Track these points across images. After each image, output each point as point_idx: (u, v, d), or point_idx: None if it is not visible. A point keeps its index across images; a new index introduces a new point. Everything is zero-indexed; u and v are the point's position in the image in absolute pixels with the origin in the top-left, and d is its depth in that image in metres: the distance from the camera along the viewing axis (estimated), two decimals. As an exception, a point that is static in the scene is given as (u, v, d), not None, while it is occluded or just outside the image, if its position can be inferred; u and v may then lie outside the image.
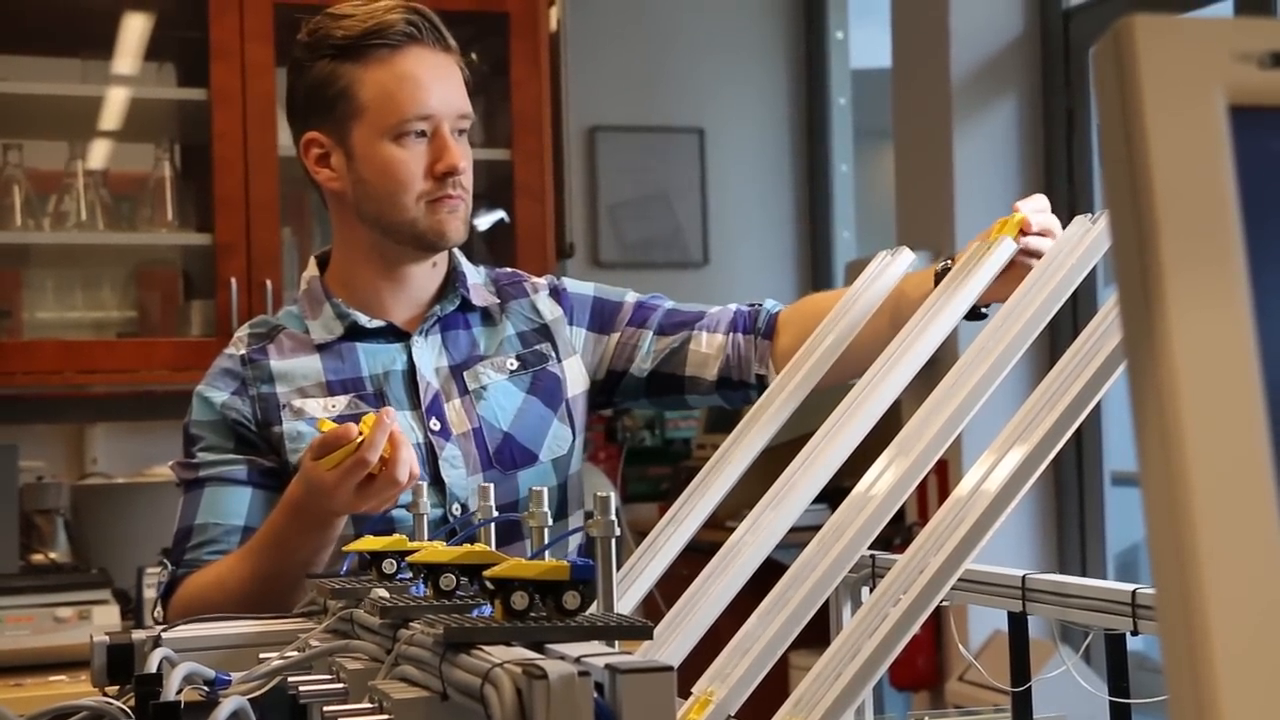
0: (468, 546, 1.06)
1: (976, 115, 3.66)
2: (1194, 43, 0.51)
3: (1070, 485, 3.61)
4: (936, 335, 1.34)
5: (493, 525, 1.25)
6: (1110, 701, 1.15)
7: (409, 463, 1.45)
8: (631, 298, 1.83)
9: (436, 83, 1.67)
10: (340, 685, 1.02)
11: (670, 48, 4.83)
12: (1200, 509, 0.47)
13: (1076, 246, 1.31)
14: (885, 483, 1.14)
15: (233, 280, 2.93)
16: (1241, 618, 0.46)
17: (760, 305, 1.79)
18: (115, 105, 3.14)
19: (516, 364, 1.75)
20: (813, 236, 4.97)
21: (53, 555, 2.95)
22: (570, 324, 1.80)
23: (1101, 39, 0.51)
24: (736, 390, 1.76)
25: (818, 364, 1.43)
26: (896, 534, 3.31)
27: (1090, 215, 1.33)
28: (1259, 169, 0.51)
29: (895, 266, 1.53)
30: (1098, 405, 1.08)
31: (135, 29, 3.17)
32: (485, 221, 3.46)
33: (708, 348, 1.76)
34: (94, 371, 2.98)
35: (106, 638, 1.25)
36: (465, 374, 1.73)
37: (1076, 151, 3.57)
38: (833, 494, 1.17)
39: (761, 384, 1.71)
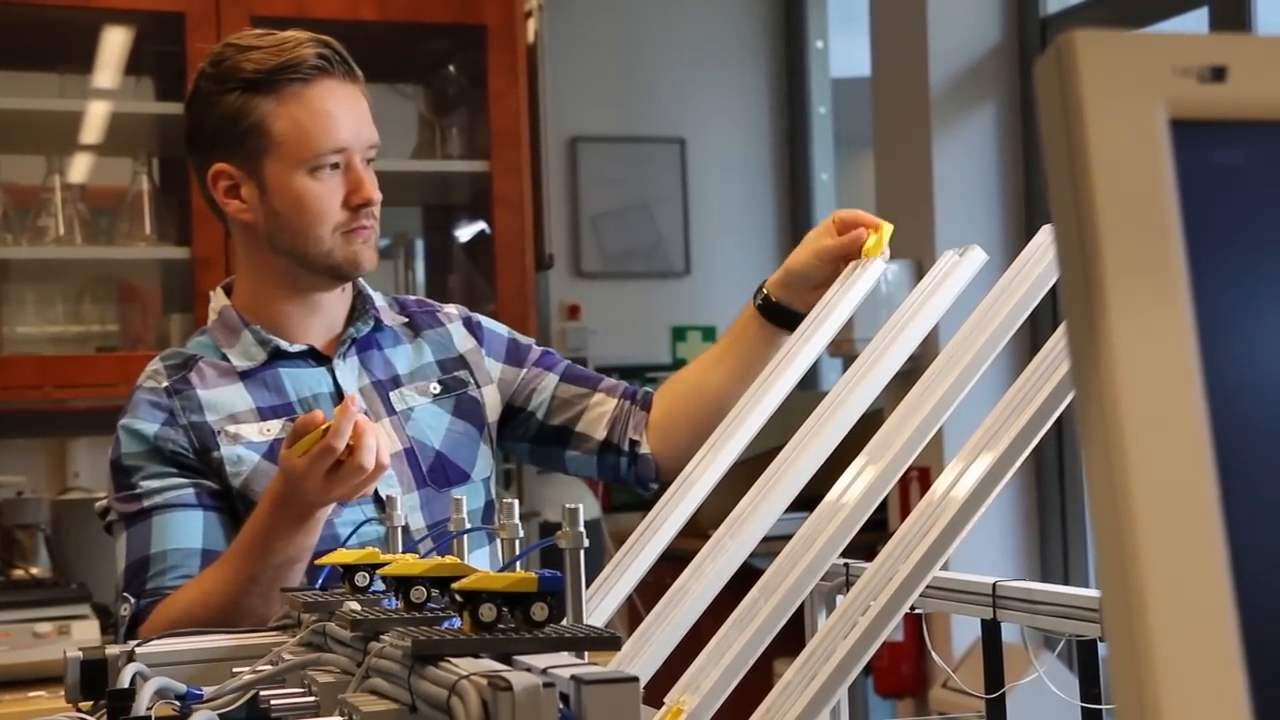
0: (438, 559, 1.07)
1: (956, 123, 3.67)
2: (1135, 57, 0.51)
3: (1052, 492, 3.62)
4: (908, 343, 1.35)
5: (466, 539, 1.26)
6: (1081, 707, 1.15)
7: (373, 449, 1.45)
8: (539, 347, 1.89)
9: (348, 115, 1.68)
10: (311, 698, 1.02)
11: (650, 57, 4.84)
12: (1143, 516, 0.48)
13: (1045, 253, 1.32)
14: (856, 490, 1.15)
15: (211, 294, 2.92)
16: (1183, 623, 0.47)
17: (639, 386, 1.87)
18: (93, 120, 3.13)
19: (439, 388, 1.78)
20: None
21: (33, 570, 2.94)
22: (486, 355, 1.83)
23: (1044, 53, 0.52)
24: (610, 455, 1.81)
25: (796, 370, 1.44)
26: (879, 541, 3.31)
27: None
28: (1200, 182, 0.52)
29: (869, 273, 1.54)
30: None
31: (113, 43, 3.16)
32: (466, 233, 3.46)
33: (603, 407, 1.82)
34: (74, 386, 2.97)
35: (80, 653, 1.25)
36: (391, 395, 1.75)
37: (1054, 159, 3.59)
38: (813, 501, 1.17)
39: (634, 449, 1.79)
